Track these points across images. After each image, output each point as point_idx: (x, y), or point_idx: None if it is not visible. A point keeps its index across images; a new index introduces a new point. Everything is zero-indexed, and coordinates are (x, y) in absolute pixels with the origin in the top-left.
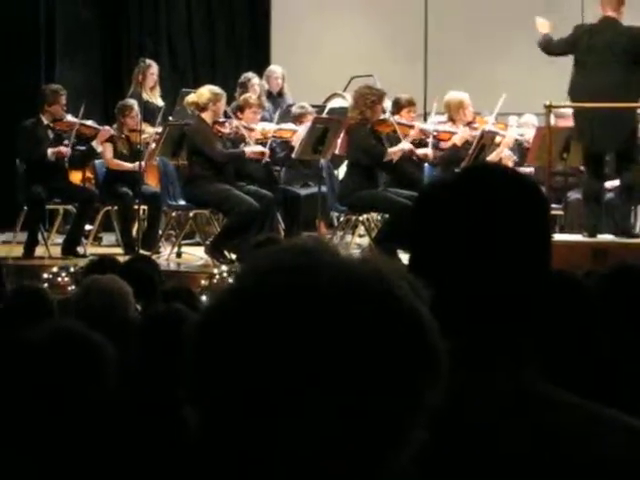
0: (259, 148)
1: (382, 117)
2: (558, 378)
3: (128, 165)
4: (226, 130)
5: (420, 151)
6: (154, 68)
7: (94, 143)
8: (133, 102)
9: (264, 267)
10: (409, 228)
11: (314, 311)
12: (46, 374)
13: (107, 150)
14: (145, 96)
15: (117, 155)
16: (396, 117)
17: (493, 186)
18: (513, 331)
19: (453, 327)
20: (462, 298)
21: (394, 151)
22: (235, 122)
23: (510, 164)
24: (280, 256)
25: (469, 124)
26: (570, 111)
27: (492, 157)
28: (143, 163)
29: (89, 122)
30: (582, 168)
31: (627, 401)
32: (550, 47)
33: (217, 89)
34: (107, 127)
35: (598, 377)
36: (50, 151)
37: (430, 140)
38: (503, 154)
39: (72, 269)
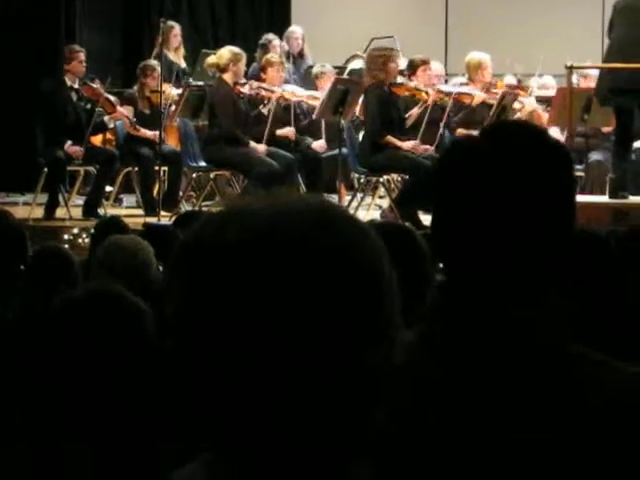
0: (288, 130)
1: (399, 81)
2: (582, 335)
3: (148, 132)
4: (246, 91)
5: (408, 144)
6: (177, 29)
7: (106, 118)
8: (155, 63)
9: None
10: (432, 187)
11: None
12: (87, 337)
13: (127, 112)
14: (171, 57)
15: (138, 116)
16: (413, 82)
17: (517, 143)
18: (539, 288)
19: (478, 286)
20: (487, 257)
21: (392, 141)
22: (256, 83)
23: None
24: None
25: (488, 85)
26: (593, 72)
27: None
28: (157, 130)
29: (113, 98)
30: (604, 129)
31: None
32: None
33: (237, 49)
34: (123, 110)
35: (622, 334)
36: (67, 146)
37: (450, 102)
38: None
39: (93, 230)
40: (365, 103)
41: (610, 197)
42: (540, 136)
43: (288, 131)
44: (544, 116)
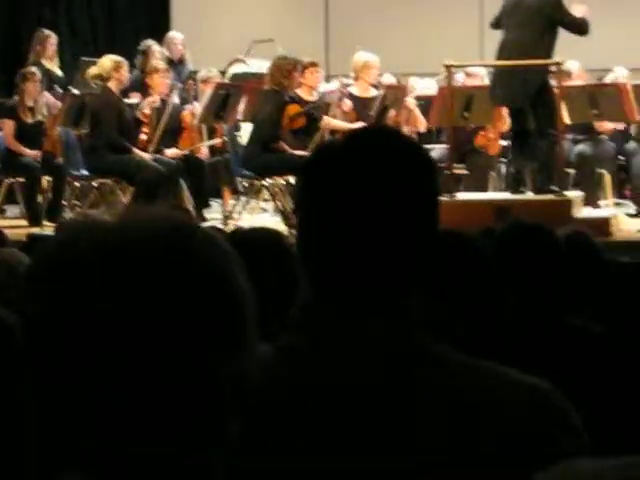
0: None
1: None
2: (449, 339)
3: (28, 151)
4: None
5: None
6: (53, 38)
7: None
8: (35, 69)
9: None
10: (296, 193)
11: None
12: None
13: (7, 127)
14: (46, 64)
15: (20, 126)
16: (304, 110)
17: (378, 148)
18: (401, 293)
19: (340, 291)
20: (349, 261)
21: (285, 149)
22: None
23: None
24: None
25: (372, 86)
26: (478, 70)
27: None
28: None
29: None
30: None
31: (517, 361)
32: (493, 21)
33: (117, 57)
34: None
35: (490, 337)
36: None
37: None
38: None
39: None
40: (259, 104)
41: (512, 193)
42: (401, 140)
43: (177, 153)
44: (420, 118)
